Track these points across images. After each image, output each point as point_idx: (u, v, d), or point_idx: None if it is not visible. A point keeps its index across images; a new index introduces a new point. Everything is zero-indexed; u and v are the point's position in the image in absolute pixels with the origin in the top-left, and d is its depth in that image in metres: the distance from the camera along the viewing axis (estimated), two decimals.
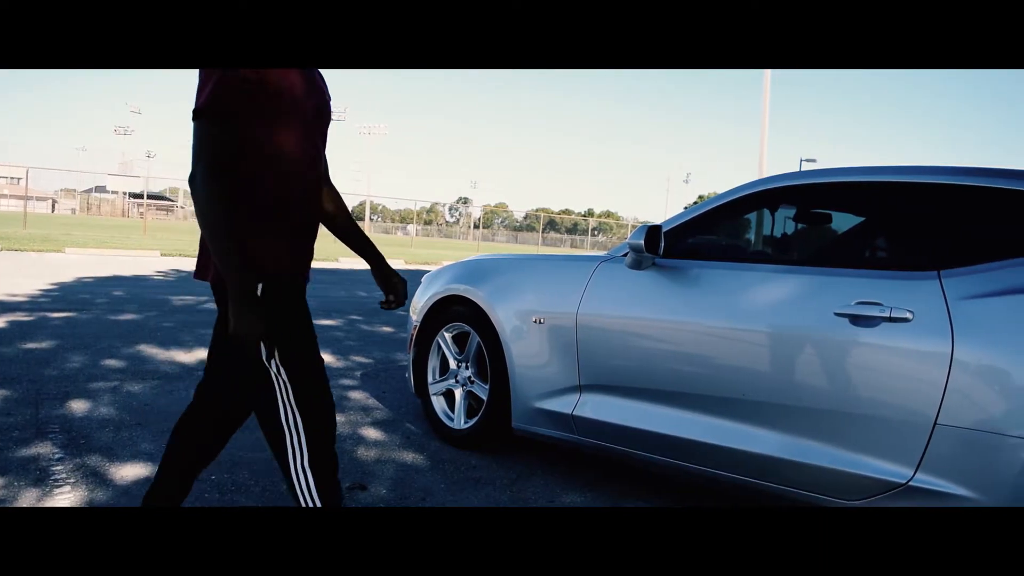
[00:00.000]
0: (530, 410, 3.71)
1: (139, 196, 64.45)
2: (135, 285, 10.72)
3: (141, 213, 54.63)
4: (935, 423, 2.47)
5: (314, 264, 11.75)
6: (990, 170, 2.73)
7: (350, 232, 2.43)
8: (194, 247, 20.13)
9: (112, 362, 5.44)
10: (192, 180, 1.94)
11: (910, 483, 2.52)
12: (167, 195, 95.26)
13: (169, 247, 19.45)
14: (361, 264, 20.67)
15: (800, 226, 3.79)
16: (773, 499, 2.97)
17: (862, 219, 3.59)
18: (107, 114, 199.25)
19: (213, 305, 8.71)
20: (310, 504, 2.12)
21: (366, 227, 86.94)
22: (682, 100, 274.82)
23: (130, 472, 3.30)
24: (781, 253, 3.82)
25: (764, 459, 2.87)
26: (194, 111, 1.95)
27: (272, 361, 2.07)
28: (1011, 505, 2.33)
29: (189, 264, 15.58)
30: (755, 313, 2.97)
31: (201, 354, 5.90)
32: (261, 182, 2.00)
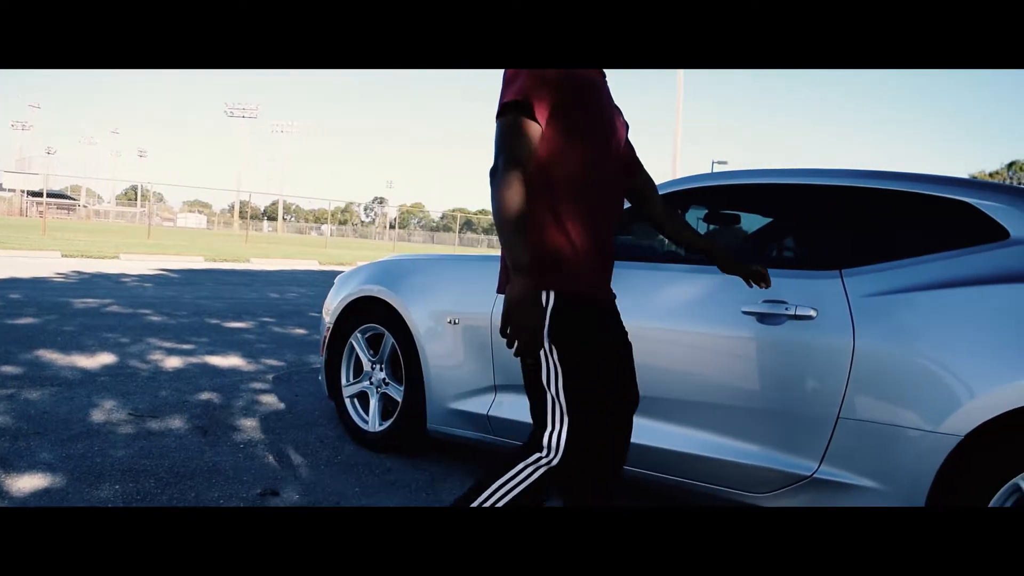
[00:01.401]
0: (445, 411, 3.69)
1: (38, 194, 61.80)
2: (34, 287, 10.26)
3: (40, 212, 52.41)
4: (838, 417, 2.55)
5: (223, 264, 11.49)
6: (890, 173, 2.84)
7: (677, 227, 2.47)
8: (97, 247, 19.43)
9: (8, 368, 5.19)
10: (493, 173, 1.93)
11: (815, 475, 2.60)
12: (68, 193, 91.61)
13: (70, 248, 18.70)
14: (273, 265, 20.29)
15: (711, 227, 3.87)
16: (685, 495, 3.02)
17: (770, 220, 3.68)
18: (2, 108, 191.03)
19: (118, 308, 8.46)
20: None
21: (279, 227, 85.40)
22: None
23: (27, 484, 3.15)
24: (692, 253, 3.89)
25: (674, 455, 2.92)
26: (501, 105, 1.96)
27: (551, 387, 2.02)
28: (909, 494, 2.42)
29: (92, 265, 15.03)
30: (665, 312, 3.02)
31: (104, 359, 5.69)
32: (562, 182, 1.99)
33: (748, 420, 2.76)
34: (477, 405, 3.57)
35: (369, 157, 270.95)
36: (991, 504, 2.29)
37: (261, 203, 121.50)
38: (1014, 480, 2.25)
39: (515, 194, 1.88)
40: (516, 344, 1.88)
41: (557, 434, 2.02)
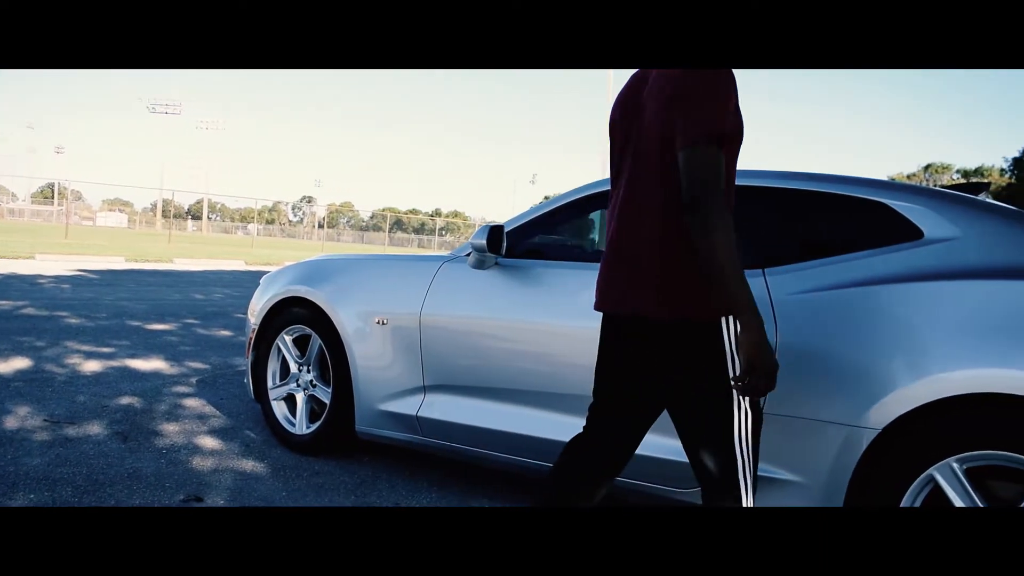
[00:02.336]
0: (374, 413, 3.66)
1: None
2: None
3: None
4: (762, 412, 2.60)
5: (145, 265, 11.23)
6: (810, 175, 2.92)
7: None
8: (11, 247, 18.69)
9: None
10: (700, 209, 1.78)
11: None
12: None
13: None
14: (198, 265, 19.85)
15: None
16: (616, 492, 3.05)
17: None
18: None
19: (33, 310, 8.16)
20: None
21: (203, 226, 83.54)
22: (530, 100, 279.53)
23: None
24: None
25: None
26: (709, 135, 1.82)
27: (745, 424, 1.95)
28: (831, 487, 2.49)
29: (5, 266, 14.44)
30: (592, 311, 3.04)
31: (18, 363, 5.48)
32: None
33: None
34: (406, 406, 3.55)
35: (297, 156, 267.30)
36: (906, 495, 2.37)
37: (185, 202, 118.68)
38: (928, 471, 2.33)
39: (732, 236, 1.78)
40: (756, 388, 1.82)
41: (747, 491, 1.96)
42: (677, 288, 1.90)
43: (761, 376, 1.80)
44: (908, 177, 63.39)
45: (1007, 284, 2.37)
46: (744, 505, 1.96)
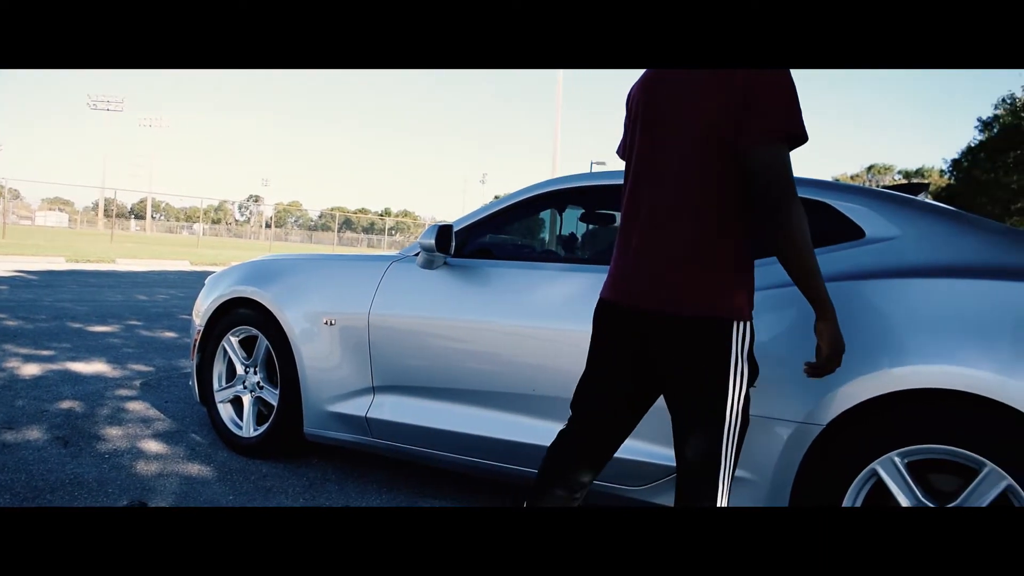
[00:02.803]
0: (323, 414, 3.62)
1: None
2: None
3: None
4: None
5: (86, 265, 10.98)
6: None
7: None
8: None
9: None
10: (783, 208, 1.83)
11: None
12: None
13: None
14: (141, 265, 19.46)
15: (589, 226, 3.94)
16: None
17: None
18: None
19: None
20: None
21: (147, 226, 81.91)
22: (482, 100, 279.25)
23: None
24: (570, 252, 3.95)
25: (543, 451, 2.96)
26: (789, 134, 1.86)
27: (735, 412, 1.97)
28: (777, 482, 2.53)
29: None
30: (540, 311, 3.06)
31: None
32: None
33: None
34: (355, 407, 3.52)
35: (244, 154, 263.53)
36: (849, 489, 2.41)
37: (128, 201, 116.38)
38: (871, 466, 2.38)
39: (809, 236, 1.87)
40: (830, 370, 1.99)
41: (723, 493, 1.99)
42: (708, 286, 1.92)
43: (837, 360, 1.97)
44: (852, 178, 64.72)
45: (945, 282, 2.43)
46: (718, 506, 1.99)
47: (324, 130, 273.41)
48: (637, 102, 2.09)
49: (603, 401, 2.12)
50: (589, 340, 2.15)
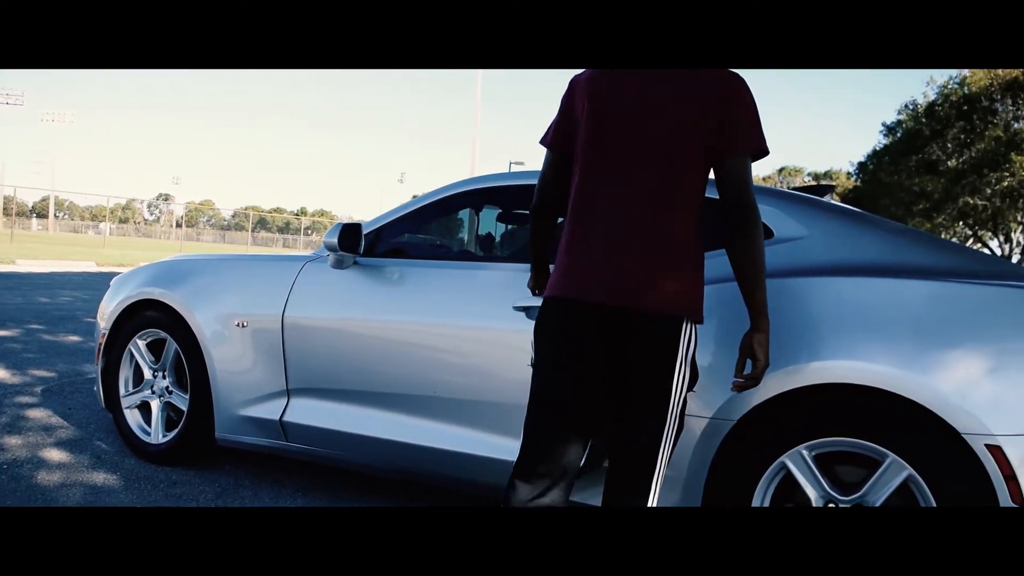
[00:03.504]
0: (235, 418, 3.53)
1: None
2: None
3: None
4: None
5: None
6: None
7: None
8: None
9: None
10: (750, 216, 1.97)
11: (606, 464, 2.69)
12: None
13: None
14: (43, 266, 18.70)
15: (508, 226, 3.95)
16: (477, 492, 3.05)
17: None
18: None
19: None
20: None
21: (50, 225, 78.85)
22: (400, 99, 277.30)
23: None
24: (486, 251, 3.94)
25: (460, 456, 2.96)
26: (761, 150, 2.02)
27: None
28: (691, 477, 2.57)
29: None
30: (446, 310, 3.05)
31: None
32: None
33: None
34: (269, 411, 3.45)
35: (154, 152, 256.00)
36: (760, 482, 2.47)
37: (29, 199, 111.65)
38: (780, 459, 2.45)
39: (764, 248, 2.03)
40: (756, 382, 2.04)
41: (655, 493, 2.06)
42: (676, 285, 1.96)
43: (762, 372, 2.03)
44: (764, 179, 66.47)
45: (849, 281, 2.51)
46: (648, 506, 2.02)
47: (239, 127, 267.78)
48: (599, 96, 2.05)
49: (580, 399, 2.01)
50: (482, 339, 2.14)
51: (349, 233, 3.22)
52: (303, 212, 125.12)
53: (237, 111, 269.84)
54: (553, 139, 2.20)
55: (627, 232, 1.96)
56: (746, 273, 2.00)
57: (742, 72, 2.04)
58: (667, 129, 1.97)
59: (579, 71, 2.15)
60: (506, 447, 2.81)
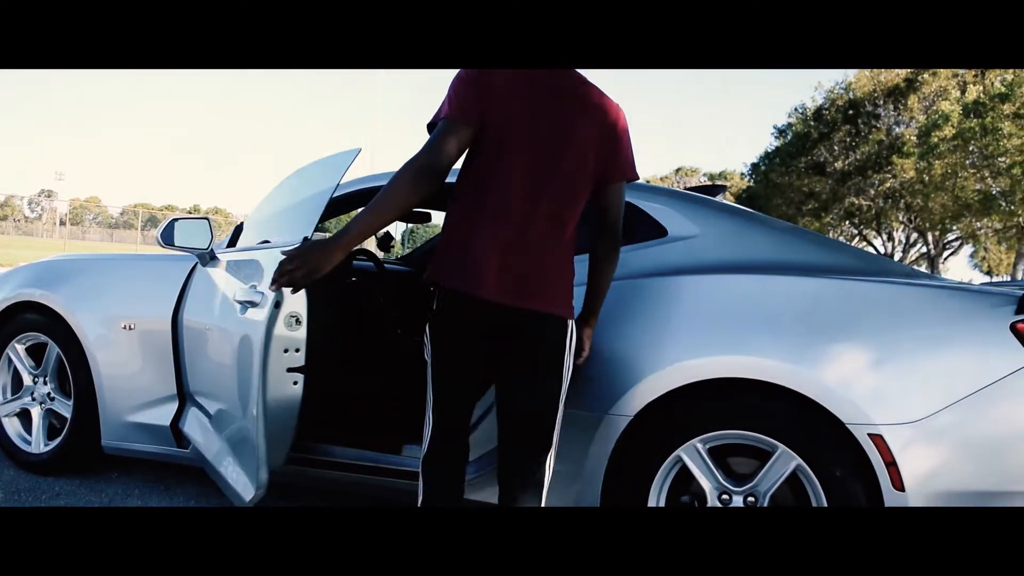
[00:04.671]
0: (123, 425, 3.39)
1: None
2: None
3: None
4: None
5: None
6: None
7: None
8: None
9: None
10: (620, 236, 2.30)
11: None
12: None
13: None
14: None
15: (408, 225, 3.92)
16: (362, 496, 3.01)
17: None
18: None
19: None
20: None
21: None
22: (293, 95, 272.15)
23: None
24: (385, 249, 3.90)
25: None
26: (635, 179, 2.29)
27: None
28: (590, 473, 2.60)
29: None
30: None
31: None
32: None
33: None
34: (159, 416, 3.32)
35: (35, 146, 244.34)
36: (657, 476, 2.53)
37: None
38: (676, 453, 2.51)
39: None
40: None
41: (548, 482, 2.26)
42: (567, 289, 2.17)
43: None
44: (662, 179, 67.91)
45: (740, 278, 2.59)
46: (543, 494, 2.20)
47: (128, 122, 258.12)
48: (515, 101, 2.08)
49: (467, 392, 2.20)
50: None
51: (168, 229, 3.10)
52: (196, 209, 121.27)
53: (125, 105, 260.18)
54: (474, 118, 2.07)
55: (537, 241, 2.08)
56: (606, 284, 2.31)
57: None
58: (576, 149, 2.10)
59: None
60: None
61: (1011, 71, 26.65)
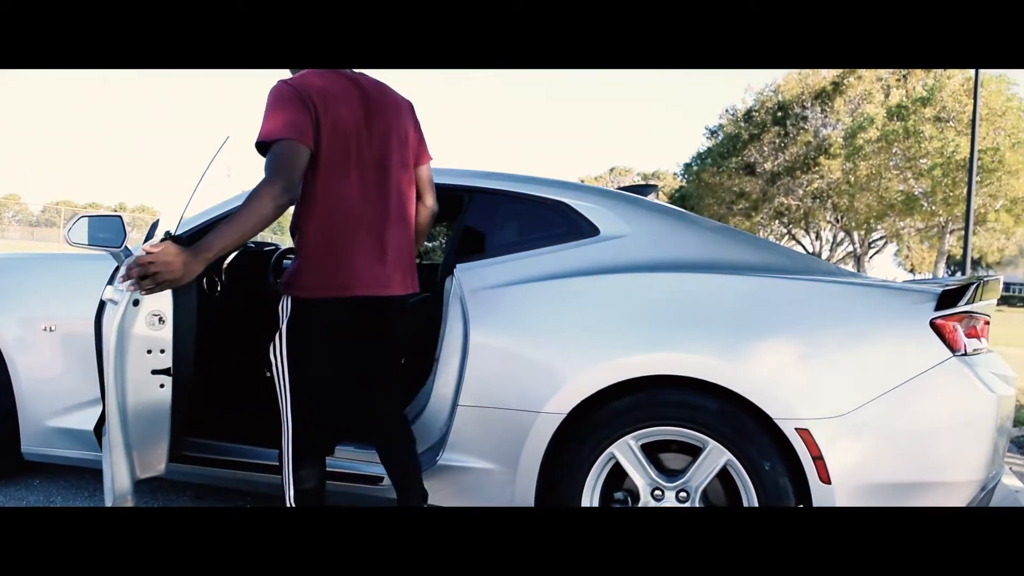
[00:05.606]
0: (45, 430, 3.27)
1: None
2: None
3: None
4: (455, 404, 2.67)
5: None
6: (500, 174, 3.05)
7: None
8: None
9: None
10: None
11: (439, 462, 2.69)
12: None
13: None
14: None
15: None
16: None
17: None
18: None
19: None
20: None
21: None
22: (228, 94, 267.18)
23: None
24: None
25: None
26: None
27: None
28: (524, 472, 2.60)
29: None
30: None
31: None
32: None
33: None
34: (83, 420, 3.22)
35: None
36: (591, 473, 2.55)
37: None
38: (609, 449, 2.53)
39: None
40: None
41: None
42: (415, 272, 2.51)
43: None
44: (596, 179, 68.50)
45: (670, 276, 2.63)
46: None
47: (50, 116, 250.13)
48: (344, 108, 2.25)
49: (382, 383, 2.48)
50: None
51: (80, 225, 3.01)
52: (122, 207, 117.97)
53: (47, 99, 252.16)
54: (310, 139, 2.17)
55: (401, 236, 2.40)
56: (422, 240, 2.68)
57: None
58: (408, 147, 2.47)
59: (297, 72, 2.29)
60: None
61: (932, 76, 27.57)
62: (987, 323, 2.61)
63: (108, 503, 2.52)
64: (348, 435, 2.83)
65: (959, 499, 2.38)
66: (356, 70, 2.38)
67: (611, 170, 75.43)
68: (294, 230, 2.30)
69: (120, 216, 3.01)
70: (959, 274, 25.14)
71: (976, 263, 47.82)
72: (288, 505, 2.30)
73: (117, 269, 3.23)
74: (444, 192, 3.01)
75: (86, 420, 3.21)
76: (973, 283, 2.49)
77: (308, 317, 2.24)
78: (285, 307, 2.27)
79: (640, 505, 2.52)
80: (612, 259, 2.74)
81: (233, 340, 3.69)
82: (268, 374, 2.36)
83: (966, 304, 2.44)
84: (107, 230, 2.96)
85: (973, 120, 14.61)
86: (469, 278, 2.75)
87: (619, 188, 3.46)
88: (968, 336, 2.45)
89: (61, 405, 3.25)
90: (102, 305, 3.19)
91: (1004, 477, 3.76)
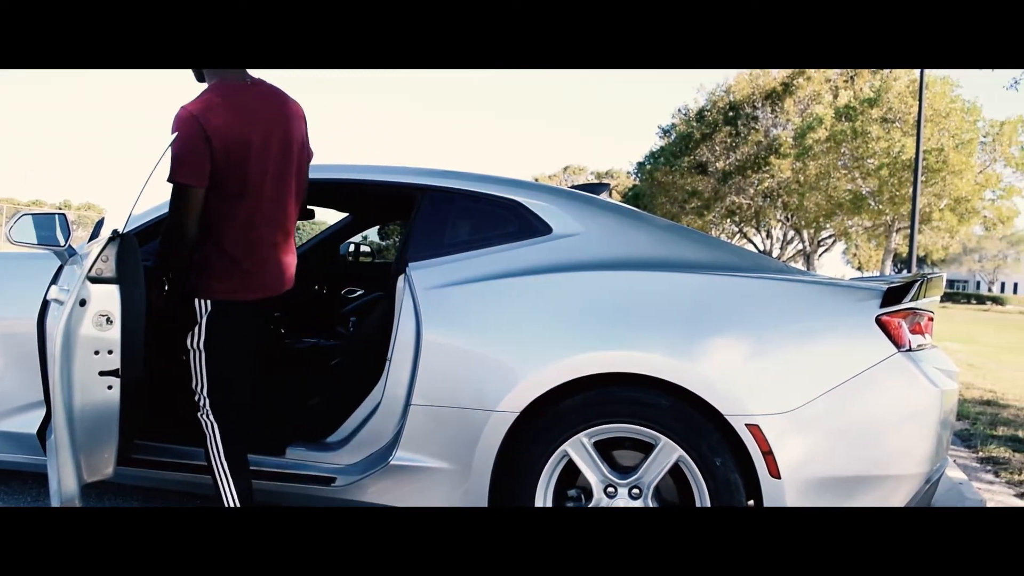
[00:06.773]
0: None
1: None
2: None
3: None
4: (408, 403, 2.65)
5: None
6: (454, 173, 3.04)
7: None
8: None
9: None
10: None
11: (391, 462, 2.66)
12: None
13: None
14: None
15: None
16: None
17: (347, 216, 3.72)
18: None
19: None
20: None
21: None
22: (172, 88, 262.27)
23: None
24: None
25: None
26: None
27: None
28: (477, 471, 2.59)
29: None
30: None
31: None
32: None
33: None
34: (25, 423, 3.13)
35: None
36: (544, 470, 2.55)
37: None
38: (562, 447, 2.53)
39: None
40: None
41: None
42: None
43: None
44: (550, 177, 68.64)
45: (622, 275, 2.65)
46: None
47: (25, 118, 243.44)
48: (240, 130, 2.42)
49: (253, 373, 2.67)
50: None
51: (21, 223, 2.94)
52: (67, 205, 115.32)
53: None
54: (204, 179, 2.41)
55: (287, 240, 2.65)
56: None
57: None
58: (303, 153, 2.68)
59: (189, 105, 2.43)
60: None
61: (879, 77, 28.10)
62: (931, 319, 2.67)
63: (54, 504, 2.46)
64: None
65: (905, 492, 2.43)
66: (258, 76, 2.59)
67: (565, 168, 75.69)
68: (202, 243, 2.51)
69: (64, 214, 2.92)
70: (905, 271, 25.74)
71: (922, 261, 48.87)
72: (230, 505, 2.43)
73: (61, 268, 3.16)
74: (396, 191, 3.00)
75: (28, 423, 3.13)
76: (917, 280, 2.54)
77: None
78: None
79: (593, 502, 2.53)
80: (565, 257, 2.74)
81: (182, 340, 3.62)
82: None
83: (911, 301, 2.49)
84: (51, 228, 2.88)
85: (919, 121, 14.96)
86: (422, 277, 2.73)
87: (572, 187, 3.47)
88: (913, 332, 2.50)
89: (1, 408, 3.17)
90: (45, 305, 3.11)
91: (948, 469, 3.84)
